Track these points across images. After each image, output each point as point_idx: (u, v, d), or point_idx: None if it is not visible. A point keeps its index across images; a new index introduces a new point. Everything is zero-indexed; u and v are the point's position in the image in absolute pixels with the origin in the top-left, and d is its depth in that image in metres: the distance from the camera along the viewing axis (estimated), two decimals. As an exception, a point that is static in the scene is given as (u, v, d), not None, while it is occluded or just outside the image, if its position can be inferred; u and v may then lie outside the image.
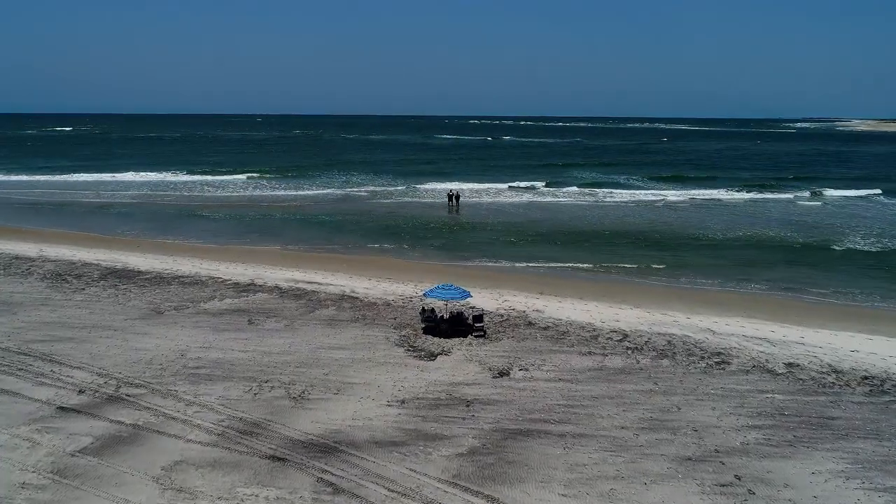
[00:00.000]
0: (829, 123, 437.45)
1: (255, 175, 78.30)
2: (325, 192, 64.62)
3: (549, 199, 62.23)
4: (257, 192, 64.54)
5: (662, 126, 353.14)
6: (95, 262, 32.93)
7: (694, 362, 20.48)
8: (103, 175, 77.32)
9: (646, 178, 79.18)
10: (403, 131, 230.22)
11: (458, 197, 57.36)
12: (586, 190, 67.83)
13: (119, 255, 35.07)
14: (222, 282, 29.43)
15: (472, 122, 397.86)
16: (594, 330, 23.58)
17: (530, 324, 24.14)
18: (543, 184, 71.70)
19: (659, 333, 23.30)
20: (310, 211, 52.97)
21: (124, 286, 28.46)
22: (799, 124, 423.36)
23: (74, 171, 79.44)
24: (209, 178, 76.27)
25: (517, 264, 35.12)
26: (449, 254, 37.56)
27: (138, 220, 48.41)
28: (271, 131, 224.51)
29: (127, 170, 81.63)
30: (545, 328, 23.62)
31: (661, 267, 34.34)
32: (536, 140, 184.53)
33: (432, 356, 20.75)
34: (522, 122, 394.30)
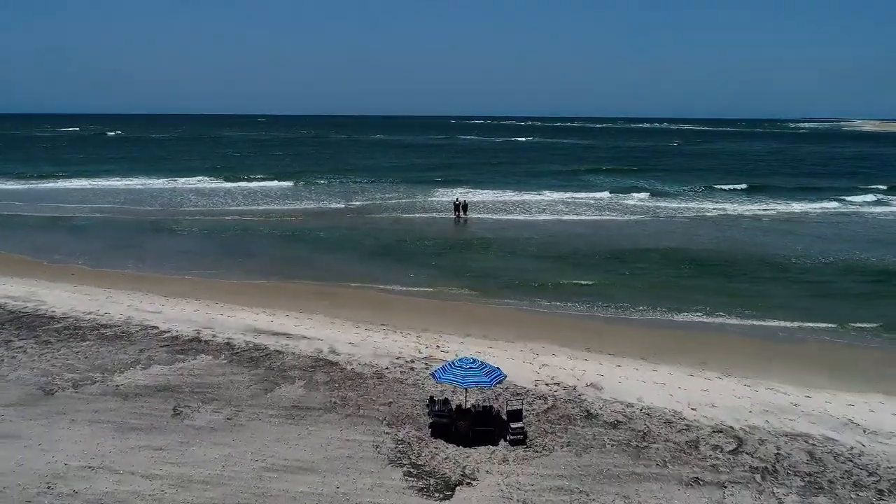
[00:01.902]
0: (832, 124, 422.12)
1: (246, 182, 70.49)
2: (322, 202, 56.75)
3: (590, 215, 50.89)
4: (245, 204, 56.26)
5: (671, 126, 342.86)
6: (1, 300, 25.27)
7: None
8: (83, 181, 69.49)
9: (696, 186, 68.31)
10: (416, 132, 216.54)
11: (465, 207, 49.56)
12: (631, 202, 57.89)
13: (40, 288, 27.39)
14: (157, 334, 21.74)
15: (476, 121, 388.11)
16: (687, 427, 15.83)
17: (589, 415, 16.39)
18: (577, 193, 61.92)
19: (786, 435, 15.52)
20: (302, 226, 45.25)
21: (20, 342, 20.80)
22: (806, 125, 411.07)
23: (51, 178, 71.83)
24: (198, 185, 68.58)
25: (551, 302, 27.33)
26: (461, 286, 29.68)
27: (92, 237, 40.76)
28: (275, 132, 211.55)
29: (111, 175, 73.95)
30: (613, 425, 15.86)
31: (740, 307, 26.37)
32: (554, 141, 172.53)
33: (447, 489, 13.02)
34: (527, 123, 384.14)
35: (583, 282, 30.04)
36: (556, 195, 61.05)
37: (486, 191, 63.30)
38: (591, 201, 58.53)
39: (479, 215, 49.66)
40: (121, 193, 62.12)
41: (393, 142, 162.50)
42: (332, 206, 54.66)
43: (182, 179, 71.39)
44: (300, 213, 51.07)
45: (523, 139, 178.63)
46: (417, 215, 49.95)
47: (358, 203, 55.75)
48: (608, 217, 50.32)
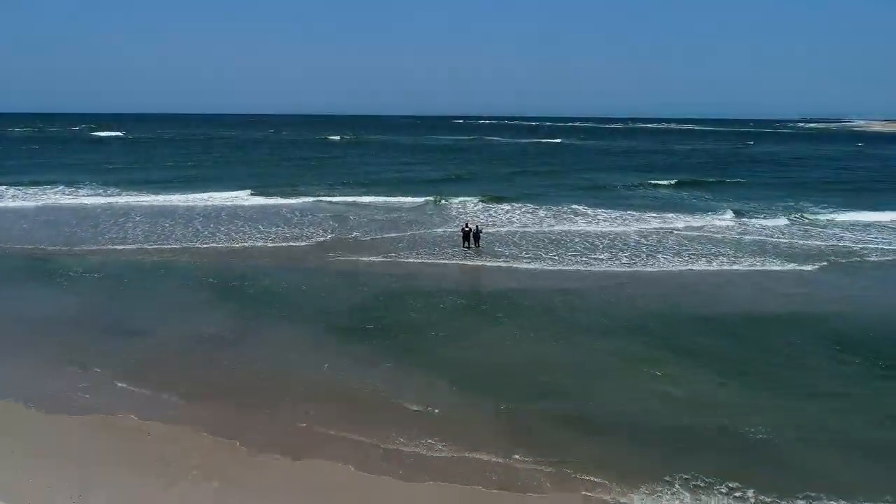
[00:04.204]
0: (837, 124, 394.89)
1: (211, 199, 55.63)
2: (305, 228, 42.15)
3: (693, 261, 33.33)
4: (192, 233, 41.06)
5: (682, 127, 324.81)
6: None
7: None
8: (5, 196, 55.22)
9: (835, 209, 50.35)
10: (425, 132, 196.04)
11: (477, 236, 35.39)
12: (744, 237, 39.59)
13: None
14: None
15: (483, 122, 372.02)
16: None
17: None
18: (651, 219, 44.69)
19: None
20: (255, 272, 30.98)
21: None
22: (813, 125, 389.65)
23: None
24: (152, 201, 54.37)
25: (686, 476, 12.97)
26: (498, 433, 15.28)
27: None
28: (281, 132, 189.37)
29: (54, 187, 59.52)
30: None
31: None
32: (581, 143, 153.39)
33: None
34: (536, 123, 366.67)
35: (748, 420, 15.25)
36: (624, 222, 44.13)
37: (515, 210, 48.82)
38: (686, 232, 40.67)
39: (517, 264, 32.52)
40: (40, 213, 46.99)
41: (401, 144, 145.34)
42: (308, 240, 39.09)
43: (135, 193, 56.97)
44: (261, 251, 36.25)
45: (557, 141, 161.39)
46: (423, 259, 34.20)
47: (343, 235, 40.16)
48: (723, 267, 31.88)
